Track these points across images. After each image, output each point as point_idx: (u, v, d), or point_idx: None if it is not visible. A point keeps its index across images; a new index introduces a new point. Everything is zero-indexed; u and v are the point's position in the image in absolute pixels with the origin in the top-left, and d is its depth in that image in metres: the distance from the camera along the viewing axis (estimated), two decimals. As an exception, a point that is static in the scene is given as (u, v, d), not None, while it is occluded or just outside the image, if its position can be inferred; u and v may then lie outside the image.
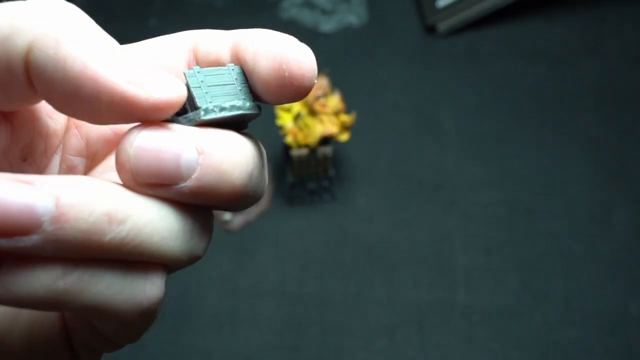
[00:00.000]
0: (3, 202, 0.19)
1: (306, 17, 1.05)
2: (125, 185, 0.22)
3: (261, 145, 0.25)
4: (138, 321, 0.22)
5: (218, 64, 0.24)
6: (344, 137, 0.82)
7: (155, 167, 0.21)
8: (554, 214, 0.85)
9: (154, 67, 0.22)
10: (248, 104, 0.23)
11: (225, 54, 0.24)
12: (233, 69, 0.23)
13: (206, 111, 0.22)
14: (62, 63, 0.20)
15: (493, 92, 0.96)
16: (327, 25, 1.04)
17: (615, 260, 0.81)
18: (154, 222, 0.21)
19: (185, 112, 0.23)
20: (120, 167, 0.22)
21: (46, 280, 0.20)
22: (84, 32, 0.21)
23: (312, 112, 0.81)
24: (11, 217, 0.19)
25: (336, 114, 0.82)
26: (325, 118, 0.81)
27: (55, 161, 0.26)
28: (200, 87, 0.23)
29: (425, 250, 0.82)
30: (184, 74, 0.23)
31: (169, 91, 0.21)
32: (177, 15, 1.06)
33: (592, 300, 0.78)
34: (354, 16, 1.05)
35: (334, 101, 0.82)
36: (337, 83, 0.88)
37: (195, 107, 0.23)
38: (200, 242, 0.23)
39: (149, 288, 0.22)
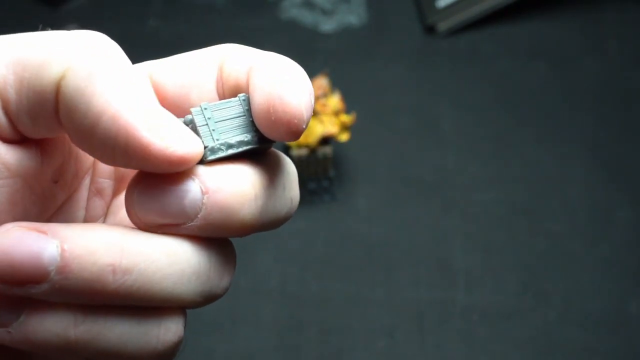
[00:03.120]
0: (12, 252, 0.20)
1: (306, 17, 1.05)
2: (136, 226, 0.22)
3: (284, 164, 0.24)
4: None
5: (237, 88, 0.23)
6: (344, 137, 0.82)
7: (160, 210, 0.21)
8: (554, 214, 0.85)
9: (176, 120, 0.21)
10: (257, 137, 0.23)
11: (243, 79, 0.23)
12: (244, 99, 0.23)
13: (212, 151, 0.22)
14: (89, 96, 0.20)
15: (493, 92, 0.96)
16: (327, 25, 1.04)
17: (615, 260, 0.81)
18: (164, 268, 0.21)
19: None
20: (127, 211, 0.22)
21: (57, 328, 0.21)
22: (116, 69, 0.21)
23: (312, 112, 0.81)
24: (20, 268, 0.20)
25: (336, 114, 0.82)
26: (325, 118, 0.81)
27: (85, 183, 0.26)
28: (207, 124, 0.22)
29: (425, 250, 0.82)
30: (191, 111, 0.22)
31: (185, 147, 0.21)
32: (177, 15, 1.06)
33: (592, 300, 0.78)
34: (354, 16, 1.05)
35: (334, 101, 0.82)
36: (337, 83, 0.88)
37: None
38: (219, 281, 0.23)
39: (163, 333, 0.22)
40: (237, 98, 0.23)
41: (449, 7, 1.02)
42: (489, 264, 0.81)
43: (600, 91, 0.96)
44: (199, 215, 0.21)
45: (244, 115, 0.23)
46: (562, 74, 0.98)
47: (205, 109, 0.22)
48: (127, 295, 0.21)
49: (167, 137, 0.21)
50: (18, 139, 0.22)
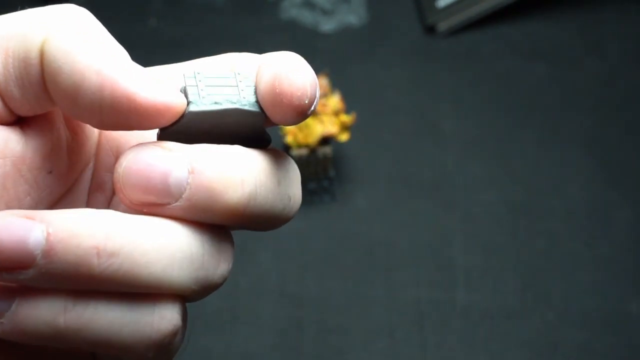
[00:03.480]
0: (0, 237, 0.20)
1: (306, 17, 1.05)
2: (122, 204, 0.22)
3: (283, 161, 0.24)
4: (153, 355, 0.22)
5: None
6: (344, 137, 0.82)
7: (144, 187, 0.21)
8: (554, 214, 0.85)
9: (159, 76, 0.22)
10: (246, 101, 0.22)
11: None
12: (239, 74, 0.23)
13: (196, 103, 0.22)
14: (72, 55, 0.21)
15: (493, 92, 0.96)
16: (327, 25, 1.04)
17: (615, 260, 0.81)
18: (151, 252, 0.21)
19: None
20: (114, 187, 0.22)
21: (47, 316, 0.21)
22: (95, 32, 0.22)
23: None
24: (8, 252, 0.20)
25: (336, 114, 0.82)
26: (325, 118, 0.81)
27: (86, 177, 0.26)
28: (196, 85, 0.22)
29: (425, 250, 0.82)
30: (183, 75, 0.22)
31: (169, 96, 0.21)
32: (177, 15, 1.06)
33: (592, 300, 0.78)
34: (354, 16, 1.05)
35: (334, 101, 0.82)
36: (337, 83, 0.88)
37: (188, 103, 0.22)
38: (215, 268, 0.23)
39: (157, 321, 0.22)
40: (232, 72, 0.23)
41: (449, 7, 1.02)
42: (489, 264, 0.81)
43: (600, 91, 0.96)
44: (183, 196, 0.21)
45: (236, 86, 0.22)
46: (562, 74, 0.98)
47: (198, 73, 0.22)
48: (114, 279, 0.21)
49: (150, 87, 0.21)
50: (7, 118, 0.22)
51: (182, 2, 1.08)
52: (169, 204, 0.21)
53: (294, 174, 0.25)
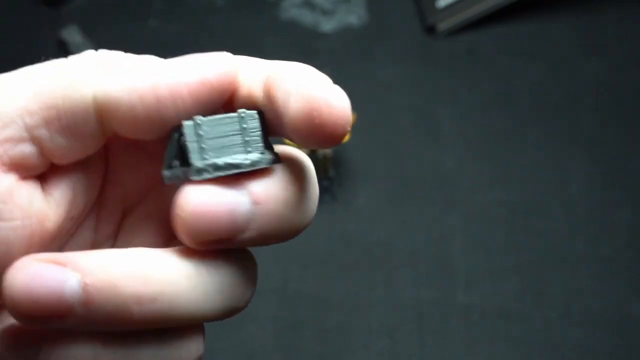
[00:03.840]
0: (32, 288, 0.19)
1: (306, 17, 1.05)
2: (187, 244, 0.21)
3: (305, 168, 0.24)
4: None
5: (250, 98, 0.23)
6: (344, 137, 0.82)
7: (213, 227, 0.21)
8: (554, 214, 0.85)
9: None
10: (250, 160, 0.21)
11: (257, 89, 0.23)
12: (243, 116, 0.21)
13: (198, 172, 0.21)
14: (134, 90, 0.21)
15: (493, 92, 0.96)
16: (327, 25, 1.04)
17: (616, 260, 0.81)
18: (187, 291, 0.21)
19: (186, 162, 0.21)
20: (178, 232, 0.21)
21: None
22: (133, 62, 0.22)
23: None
24: (43, 303, 0.19)
25: (336, 114, 0.82)
26: (325, 118, 0.81)
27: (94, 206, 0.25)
28: (197, 140, 0.21)
29: (425, 250, 0.82)
30: (182, 124, 0.21)
31: (222, 66, 0.21)
32: (177, 15, 1.06)
33: (592, 300, 0.78)
34: (354, 16, 1.05)
35: (334, 101, 0.82)
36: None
37: (188, 164, 0.21)
38: (242, 295, 0.23)
39: (185, 355, 0.22)
40: (236, 114, 0.22)
41: (449, 7, 1.02)
42: (489, 264, 0.81)
43: (600, 91, 0.96)
44: (252, 227, 0.21)
45: (240, 134, 0.21)
46: (562, 74, 0.98)
47: (199, 123, 0.21)
48: (151, 321, 0.21)
49: (208, 64, 0.21)
50: (38, 168, 0.21)
51: (182, 2, 1.08)
52: (236, 237, 0.21)
53: (311, 177, 0.25)
